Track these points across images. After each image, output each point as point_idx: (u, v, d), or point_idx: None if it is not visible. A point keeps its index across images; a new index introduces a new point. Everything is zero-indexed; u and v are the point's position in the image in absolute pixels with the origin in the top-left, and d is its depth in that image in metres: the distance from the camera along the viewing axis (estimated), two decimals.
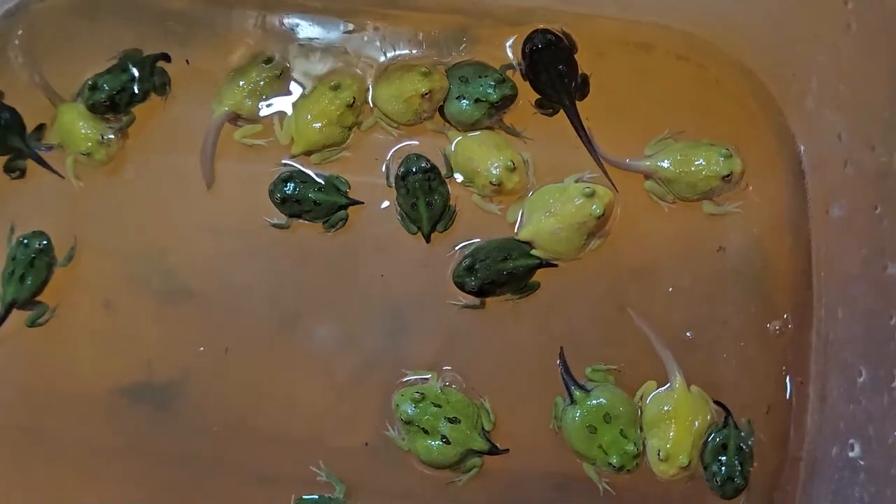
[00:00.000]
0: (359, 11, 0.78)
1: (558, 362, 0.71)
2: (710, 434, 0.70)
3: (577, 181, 0.73)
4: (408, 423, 0.69)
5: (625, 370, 0.72)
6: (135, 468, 0.73)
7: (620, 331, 0.73)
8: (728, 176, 0.73)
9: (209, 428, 0.73)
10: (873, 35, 0.63)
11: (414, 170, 0.74)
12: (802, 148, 0.74)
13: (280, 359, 0.74)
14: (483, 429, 0.71)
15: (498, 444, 0.70)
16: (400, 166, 0.75)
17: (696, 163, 0.73)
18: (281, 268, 0.75)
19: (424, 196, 0.74)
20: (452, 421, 0.69)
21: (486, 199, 0.75)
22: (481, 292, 0.72)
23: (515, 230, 0.74)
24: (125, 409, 0.74)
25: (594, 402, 0.70)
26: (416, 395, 0.70)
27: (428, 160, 0.75)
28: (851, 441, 0.63)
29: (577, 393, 0.70)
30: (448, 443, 0.69)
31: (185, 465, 0.73)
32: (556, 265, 0.73)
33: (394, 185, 0.75)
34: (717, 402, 0.71)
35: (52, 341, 0.75)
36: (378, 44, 0.78)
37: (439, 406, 0.70)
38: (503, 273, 0.72)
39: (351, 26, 0.78)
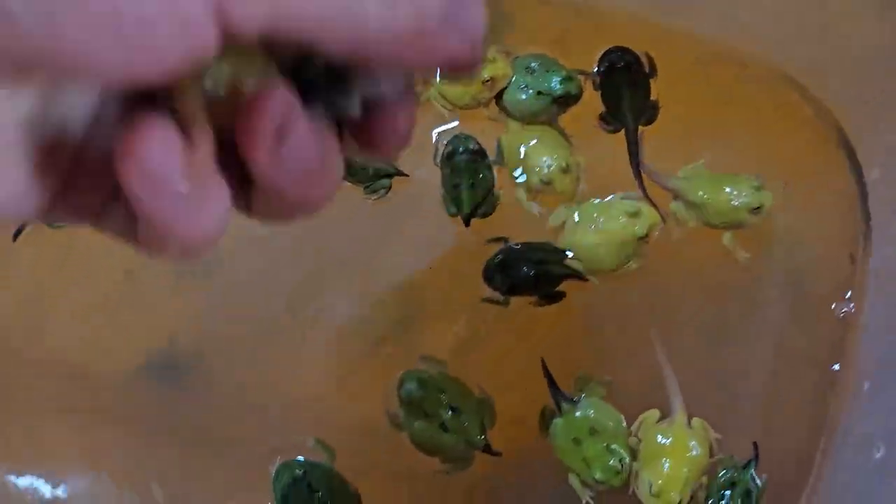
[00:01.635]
0: None
1: (544, 374, 0.70)
2: (725, 470, 0.69)
3: (623, 198, 0.71)
4: (408, 402, 0.69)
5: (629, 394, 0.70)
6: (146, 441, 0.74)
7: (637, 354, 0.71)
8: (757, 209, 0.70)
9: (220, 403, 0.73)
10: None
11: (461, 149, 0.73)
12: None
13: (293, 334, 0.74)
14: (483, 425, 0.70)
15: (493, 446, 0.69)
16: (447, 145, 0.74)
17: (727, 191, 0.71)
18: (304, 233, 0.74)
19: (469, 177, 0.73)
20: (454, 410, 0.69)
21: (530, 197, 0.74)
22: (509, 290, 0.71)
23: (556, 236, 0.72)
24: (139, 380, 0.74)
25: (581, 414, 0.69)
26: (423, 377, 0.69)
27: (477, 142, 0.74)
28: None
29: (565, 404, 0.69)
30: (445, 430, 0.69)
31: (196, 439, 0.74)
32: (588, 279, 0.71)
33: (439, 164, 0.74)
34: (754, 444, 0.68)
35: (69, 307, 0.75)
36: None
37: (443, 392, 0.69)
38: (534, 276, 0.71)
39: None
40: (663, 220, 0.72)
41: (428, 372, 0.70)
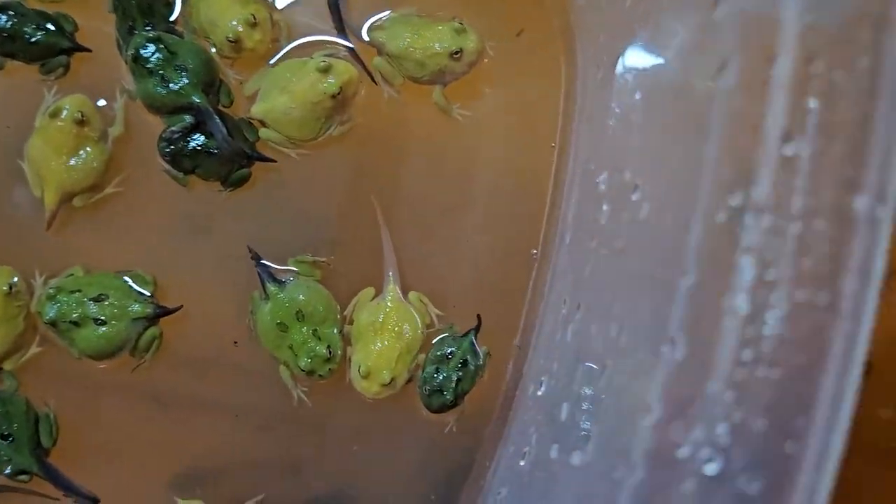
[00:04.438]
0: None
1: (250, 255, 0.63)
2: (444, 345, 0.63)
3: (325, 56, 0.63)
4: (54, 324, 0.61)
5: (350, 275, 0.64)
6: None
7: (359, 229, 0.64)
8: (458, 53, 0.63)
9: None
10: None
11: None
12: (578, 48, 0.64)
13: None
14: (141, 292, 0.63)
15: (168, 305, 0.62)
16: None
17: (427, 38, 0.63)
18: None
19: (142, 17, 0.64)
20: (98, 300, 0.61)
21: (227, 63, 0.64)
22: (174, 164, 0.62)
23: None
24: None
25: (288, 297, 0.62)
26: (50, 292, 0.61)
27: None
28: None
29: (272, 287, 0.63)
30: (104, 322, 0.61)
31: None
32: (272, 160, 0.63)
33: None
34: (477, 316, 0.63)
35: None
36: None
37: (79, 291, 0.62)
38: (195, 148, 0.62)
39: None
40: (372, 78, 0.64)
41: (53, 285, 0.61)
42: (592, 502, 0.31)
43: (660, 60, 0.44)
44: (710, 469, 0.27)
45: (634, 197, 0.41)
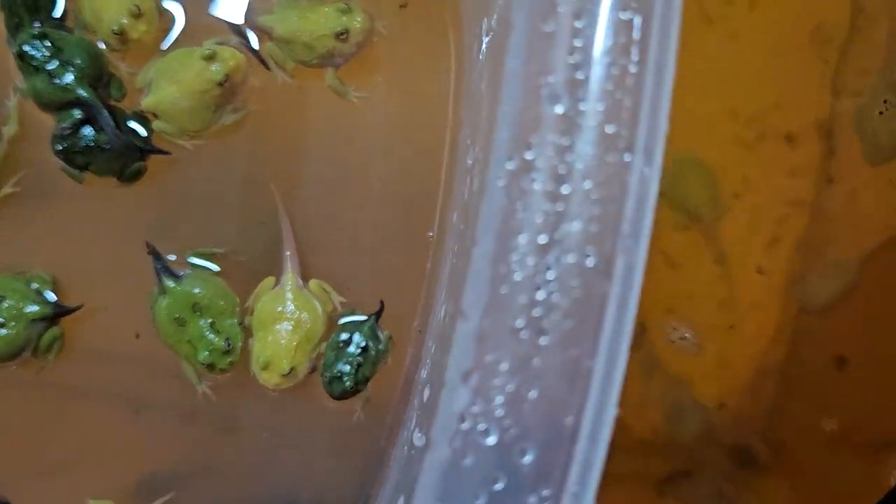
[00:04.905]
0: None
1: (148, 250, 0.61)
2: (343, 331, 0.62)
3: (218, 44, 0.62)
4: None
5: (250, 265, 0.64)
6: None
7: (258, 219, 0.63)
8: (343, 34, 0.62)
9: None
10: None
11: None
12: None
13: None
14: (40, 292, 0.62)
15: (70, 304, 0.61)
16: None
17: (314, 20, 0.62)
18: None
19: (29, 14, 0.62)
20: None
21: (118, 57, 0.63)
22: (68, 161, 0.61)
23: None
24: None
25: (185, 290, 0.61)
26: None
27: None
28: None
29: (168, 281, 0.62)
30: (2, 325, 0.60)
31: None
32: (166, 152, 0.62)
33: None
34: (381, 302, 0.62)
35: None
36: None
37: None
38: (87, 145, 0.61)
39: None
40: (265, 64, 0.63)
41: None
42: (427, 487, 0.30)
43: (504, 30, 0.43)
44: (490, 441, 0.26)
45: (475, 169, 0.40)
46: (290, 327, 0.62)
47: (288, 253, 0.63)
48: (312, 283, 0.64)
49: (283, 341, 0.61)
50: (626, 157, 0.26)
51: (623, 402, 0.70)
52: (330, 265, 0.64)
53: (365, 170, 0.64)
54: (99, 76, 0.63)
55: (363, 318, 0.63)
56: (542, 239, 0.27)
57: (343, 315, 0.63)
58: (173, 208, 0.63)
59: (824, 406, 0.71)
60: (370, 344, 0.62)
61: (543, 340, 0.26)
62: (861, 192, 0.70)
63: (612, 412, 0.26)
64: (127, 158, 0.63)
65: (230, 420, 0.64)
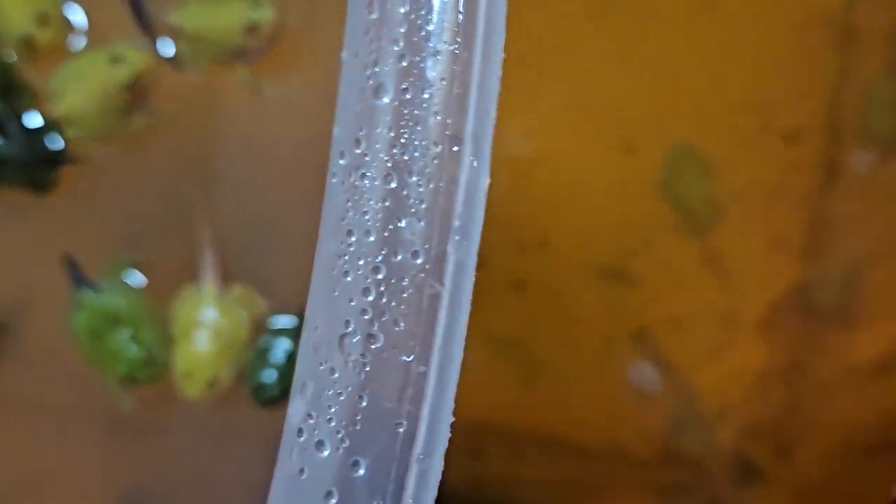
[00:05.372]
0: None
1: (64, 261, 0.60)
2: (267, 336, 0.61)
3: (127, 46, 0.62)
4: None
5: (172, 273, 0.63)
6: None
7: (180, 226, 0.62)
8: (253, 28, 0.60)
9: None
10: None
11: None
12: None
13: None
14: None
15: None
16: None
17: (223, 16, 0.60)
18: None
19: None
20: None
21: (31, 69, 0.62)
22: None
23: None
24: None
25: (102, 302, 0.60)
26: None
27: None
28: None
29: (86, 293, 0.60)
30: None
31: None
32: (78, 161, 0.60)
33: None
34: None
35: None
36: None
37: None
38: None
39: None
40: (176, 64, 0.61)
41: None
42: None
43: None
44: (324, 454, 0.25)
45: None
46: (212, 336, 0.61)
47: (208, 258, 0.62)
48: (236, 288, 0.62)
49: (203, 350, 0.61)
50: (455, 148, 0.25)
51: (622, 412, 0.69)
52: (254, 269, 0.62)
53: (281, 167, 0.63)
54: (7, 86, 0.62)
55: (290, 322, 0.62)
56: (372, 237, 0.25)
57: (268, 320, 0.62)
58: (89, 218, 0.62)
59: (830, 412, 0.69)
60: (292, 349, 0.61)
61: (374, 345, 0.25)
62: (868, 188, 0.68)
63: (447, 419, 0.25)
64: (39, 169, 0.61)
65: (156, 431, 0.62)
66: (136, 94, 0.60)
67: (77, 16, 0.62)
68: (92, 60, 0.60)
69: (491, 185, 0.26)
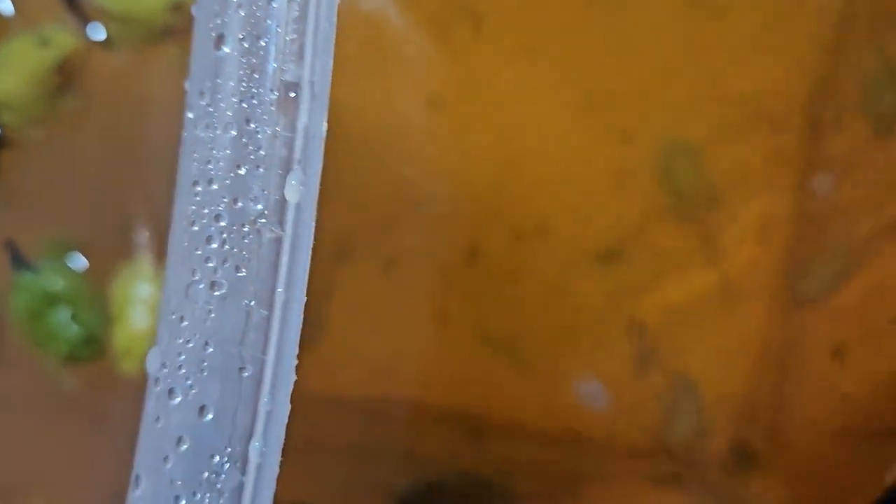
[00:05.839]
0: None
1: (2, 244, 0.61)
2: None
3: (51, 28, 0.62)
4: None
5: (109, 251, 0.63)
6: None
7: (112, 205, 0.63)
8: (178, 6, 0.60)
9: None
10: None
11: None
12: None
13: None
14: None
15: None
16: None
17: None
18: None
19: None
20: None
21: None
22: None
23: None
24: None
25: (41, 284, 0.60)
26: None
27: None
28: None
29: (24, 275, 0.61)
30: None
31: None
32: (8, 145, 0.60)
33: None
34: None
35: None
36: None
37: None
38: None
39: None
40: (105, 45, 0.62)
41: None
42: (140, 453, 0.29)
43: None
44: (175, 401, 0.25)
45: None
46: (148, 311, 0.61)
47: (142, 236, 0.62)
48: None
49: (140, 327, 0.61)
50: (292, 94, 0.25)
51: (617, 399, 0.69)
52: None
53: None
54: None
55: None
56: (214, 186, 0.26)
57: None
58: (26, 201, 0.62)
59: (823, 398, 0.69)
60: None
61: (217, 291, 0.25)
62: (858, 174, 0.68)
63: (291, 363, 0.25)
64: None
65: (101, 413, 0.63)
66: (66, 76, 0.60)
67: (3, 2, 0.62)
68: (20, 44, 0.60)
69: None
